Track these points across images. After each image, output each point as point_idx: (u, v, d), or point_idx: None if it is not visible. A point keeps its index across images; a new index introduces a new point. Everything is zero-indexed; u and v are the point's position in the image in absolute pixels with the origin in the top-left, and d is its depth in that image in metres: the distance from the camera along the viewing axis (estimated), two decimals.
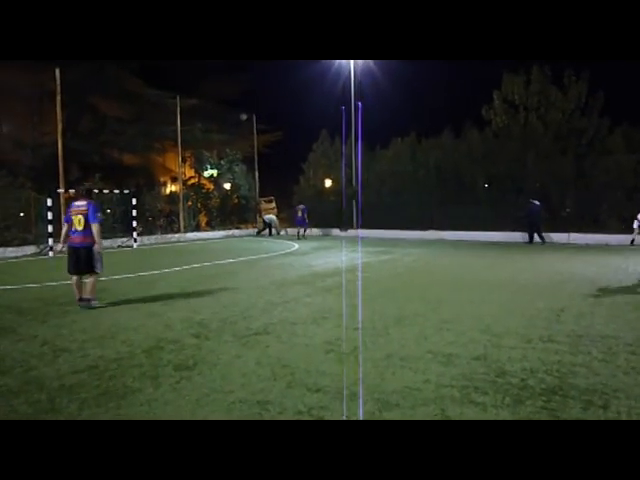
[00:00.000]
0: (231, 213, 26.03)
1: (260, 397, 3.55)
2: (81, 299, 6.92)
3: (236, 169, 26.64)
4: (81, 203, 6.89)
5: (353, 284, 8.54)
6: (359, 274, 9.83)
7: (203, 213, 25.09)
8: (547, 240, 17.00)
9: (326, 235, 22.88)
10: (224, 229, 23.91)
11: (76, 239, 6.81)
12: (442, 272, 10.22)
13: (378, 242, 17.92)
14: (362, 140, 22.70)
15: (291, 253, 14.51)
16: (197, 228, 23.29)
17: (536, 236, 16.98)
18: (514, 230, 17.73)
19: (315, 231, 23.54)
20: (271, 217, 23.46)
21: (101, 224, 7.09)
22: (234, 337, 5.18)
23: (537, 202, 16.98)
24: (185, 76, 28.08)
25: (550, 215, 18.92)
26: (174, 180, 26.25)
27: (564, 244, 16.60)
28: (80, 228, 6.77)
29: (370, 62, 22.76)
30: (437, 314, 6.17)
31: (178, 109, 21.86)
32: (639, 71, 23.90)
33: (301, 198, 25.79)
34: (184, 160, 25.08)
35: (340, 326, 5.55)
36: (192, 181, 26.48)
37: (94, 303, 6.90)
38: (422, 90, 28.20)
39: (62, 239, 7.27)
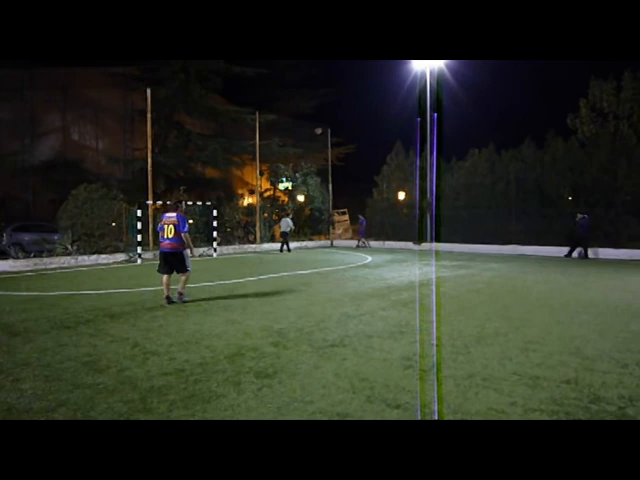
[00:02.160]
0: (305, 225, 26.50)
1: (340, 409, 3.57)
2: (168, 297, 7.90)
3: (310, 182, 27.12)
4: (171, 214, 7.99)
5: (429, 299, 8.37)
6: (435, 288, 9.61)
7: (278, 225, 25.72)
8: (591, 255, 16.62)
9: (400, 248, 22.61)
10: (298, 240, 24.36)
11: (166, 245, 7.88)
12: (524, 289, 9.75)
13: (454, 256, 17.43)
14: (437, 153, 22.30)
15: (364, 265, 14.48)
16: (272, 239, 23.91)
17: (578, 251, 16.71)
18: (586, 246, 16.76)
19: (389, 244, 23.37)
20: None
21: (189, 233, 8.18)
22: (312, 347, 5.25)
23: (586, 216, 16.47)
24: (264, 92, 29.15)
25: None
26: (251, 192, 27.19)
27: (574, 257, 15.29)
28: (170, 236, 7.84)
29: (446, 71, 22.37)
30: (521, 334, 5.88)
31: (257, 124, 22.70)
32: None
33: (374, 210, 25.75)
34: (261, 173, 25.93)
35: (417, 342, 5.45)
36: (268, 193, 27.29)
37: (184, 298, 8.04)
38: (501, 100, 27.25)
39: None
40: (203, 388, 4.04)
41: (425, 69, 22.16)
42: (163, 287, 8.00)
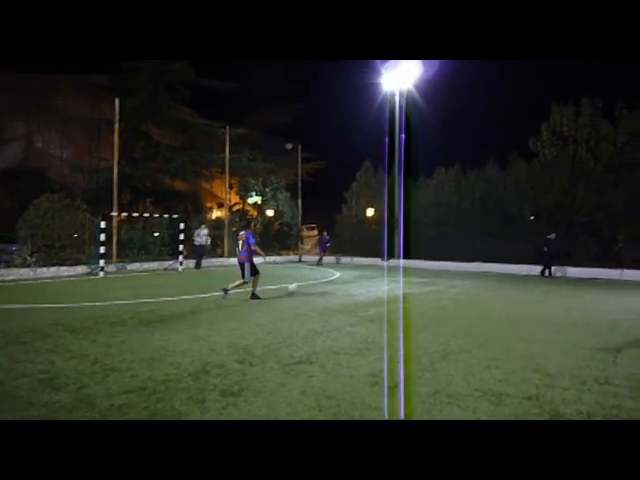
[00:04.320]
0: (273, 239, 26.40)
1: None
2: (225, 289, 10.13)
3: (280, 196, 27.13)
4: (242, 232, 10.39)
5: (396, 315, 8.44)
6: (402, 305, 9.70)
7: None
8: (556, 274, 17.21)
9: (369, 265, 22.77)
10: (266, 255, 24.21)
11: (240, 257, 10.21)
12: (488, 306, 9.95)
13: (421, 273, 17.68)
14: (403, 172, 22.69)
15: (332, 281, 14.51)
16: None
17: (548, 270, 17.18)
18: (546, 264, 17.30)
19: (357, 260, 23.51)
20: (202, 236, 18.82)
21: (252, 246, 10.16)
22: (278, 364, 5.20)
23: (551, 236, 17.05)
24: (235, 106, 29.14)
25: (601, 250, 18.22)
26: (220, 206, 26.98)
27: (615, 280, 15.87)
28: (242, 249, 10.14)
29: (415, 92, 22.88)
30: (484, 350, 5.99)
31: (227, 138, 22.63)
32: None
33: (343, 226, 25.93)
34: (230, 187, 25.78)
35: (384, 358, 5.48)
36: (237, 207, 27.13)
37: (228, 295, 10.06)
38: (467, 120, 28.09)
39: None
40: (166, 407, 3.93)
41: (394, 89, 22.65)
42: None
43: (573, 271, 17.22)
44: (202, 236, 18.63)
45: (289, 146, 26.57)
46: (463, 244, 20.86)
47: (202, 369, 5.01)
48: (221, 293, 10.17)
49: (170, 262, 18.54)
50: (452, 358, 5.60)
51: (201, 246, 18.68)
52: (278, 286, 12.66)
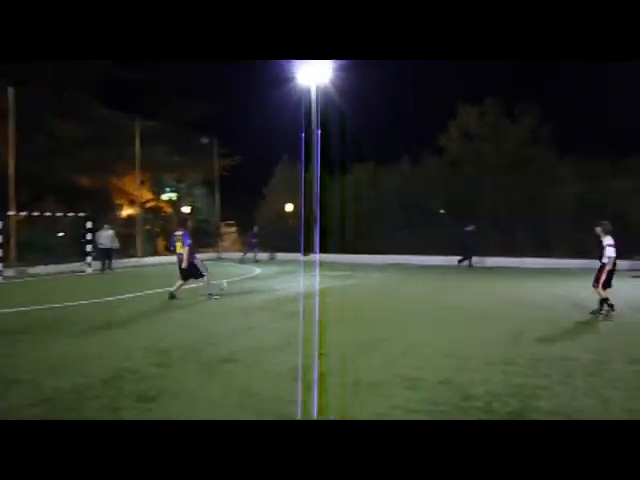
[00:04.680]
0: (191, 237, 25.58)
1: None
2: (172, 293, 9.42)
3: (196, 192, 26.35)
4: (178, 232, 9.61)
5: (318, 309, 8.52)
6: (323, 299, 9.82)
7: (161, 237, 24.58)
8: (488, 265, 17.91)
9: (289, 260, 22.80)
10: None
11: (180, 258, 9.43)
12: (405, 296, 10.36)
13: (340, 266, 18.00)
14: (320, 167, 22.93)
15: (254, 278, 14.37)
16: (155, 252, 22.76)
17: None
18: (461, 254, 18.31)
19: (277, 255, 23.47)
20: (108, 237, 17.14)
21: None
22: (199, 365, 5.05)
23: (470, 228, 17.77)
24: (148, 98, 27.75)
25: (504, 240, 19.65)
26: (132, 203, 25.66)
27: (517, 268, 17.20)
28: (181, 250, 9.39)
29: (331, 87, 23.17)
30: (402, 338, 6.23)
31: (138, 131, 21.57)
32: (584, 103, 25.44)
33: (262, 222, 25.74)
34: (142, 183, 24.60)
35: (306, 352, 5.51)
36: (151, 204, 25.95)
37: (215, 296, 9.57)
38: (382, 117, 28.96)
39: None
40: (78, 417, 3.67)
41: (310, 85, 22.78)
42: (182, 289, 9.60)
43: (480, 261, 18.39)
44: (105, 238, 17.11)
45: (205, 140, 25.82)
46: (380, 237, 21.55)
47: (116, 375, 4.73)
48: (137, 294, 9.72)
49: (77, 264, 17.35)
50: (372, 347, 5.76)
51: (106, 249, 17.19)
52: (197, 285, 12.31)
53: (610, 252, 7.51)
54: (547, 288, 11.35)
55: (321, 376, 4.64)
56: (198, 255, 10.10)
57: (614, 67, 23.04)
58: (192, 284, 9.92)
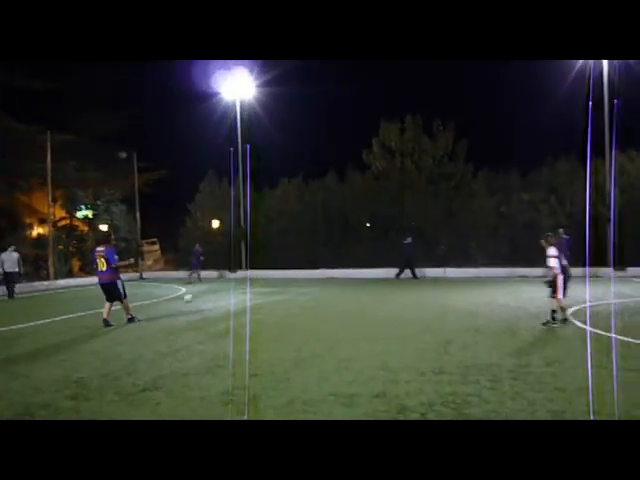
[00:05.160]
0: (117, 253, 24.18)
1: None
2: (105, 320, 8.58)
3: (114, 209, 25.07)
4: (101, 248, 8.67)
5: (247, 328, 8.26)
6: (253, 317, 9.57)
7: (76, 257, 23.05)
8: (419, 275, 18.11)
9: (216, 277, 22.18)
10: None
11: (102, 277, 8.65)
12: (335, 311, 10.36)
13: (269, 282, 17.78)
14: (250, 183, 22.70)
15: (178, 297, 13.77)
16: (70, 274, 21.26)
17: (408, 272, 18.12)
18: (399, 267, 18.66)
19: (204, 273, 22.74)
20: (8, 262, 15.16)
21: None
22: (118, 396, 4.65)
23: (407, 240, 18.09)
24: (58, 110, 26.13)
25: (426, 252, 20.42)
26: (42, 222, 23.87)
27: (440, 278, 17.88)
28: (104, 268, 8.55)
29: (255, 103, 23.06)
30: (335, 354, 6.15)
31: (49, 144, 20.17)
32: (496, 121, 27.31)
33: (188, 239, 24.93)
34: (54, 200, 22.99)
35: (237, 374, 5.27)
36: (63, 222, 24.30)
37: (138, 320, 8.94)
38: (307, 133, 29.33)
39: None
40: None
41: (235, 100, 22.57)
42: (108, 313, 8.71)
43: (406, 272, 18.89)
44: (8, 261, 15.18)
45: (123, 155, 24.63)
46: (308, 252, 21.60)
47: (24, 412, 4.23)
48: (46, 321, 8.89)
49: None
50: (305, 365, 5.64)
51: (10, 273, 15.32)
52: (115, 308, 11.58)
53: (551, 263, 7.56)
54: (469, 297, 11.86)
55: (253, 398, 4.44)
56: (85, 279, 9.54)
57: (522, 89, 24.96)
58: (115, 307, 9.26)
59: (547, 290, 7.81)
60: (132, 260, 10.66)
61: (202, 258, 19.35)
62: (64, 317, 10.19)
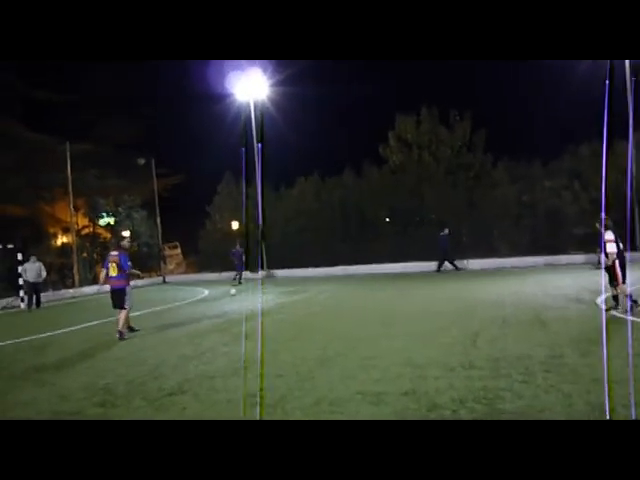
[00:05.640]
0: (132, 262, 24.47)
1: None
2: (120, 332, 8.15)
3: (135, 215, 25.38)
4: (114, 253, 8.53)
5: (270, 328, 8.23)
6: (275, 316, 9.54)
7: (100, 264, 23.37)
8: (460, 267, 17.74)
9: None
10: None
11: (113, 282, 8.39)
12: (356, 308, 10.26)
13: (289, 281, 17.76)
14: (262, 181, 22.65)
15: (202, 300, 13.85)
16: (95, 281, 21.56)
17: (448, 264, 17.80)
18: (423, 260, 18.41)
19: (226, 274, 22.87)
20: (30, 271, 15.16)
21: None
22: (146, 401, 4.64)
23: (444, 233, 17.79)
24: (75, 119, 26.56)
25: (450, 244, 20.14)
26: (66, 231, 24.31)
27: (464, 270, 17.60)
28: (115, 274, 8.34)
29: (269, 103, 23.05)
30: (359, 351, 6.06)
31: (68, 154, 20.50)
32: (514, 109, 26.81)
33: (208, 242, 25.11)
34: (76, 209, 23.39)
35: (262, 375, 5.22)
36: (86, 231, 24.70)
37: (127, 336, 8.22)
38: (323, 131, 29.22)
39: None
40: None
41: (249, 100, 22.59)
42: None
43: (427, 265, 18.65)
44: (30, 271, 15.23)
45: (141, 161, 24.93)
46: (327, 249, 21.51)
47: (53, 420, 4.25)
48: (71, 329, 9.01)
49: (9, 299, 16.10)
50: (329, 364, 5.56)
51: (34, 284, 15.37)
52: (139, 312, 11.69)
53: (611, 247, 7.10)
54: (493, 288, 11.62)
55: (280, 400, 4.38)
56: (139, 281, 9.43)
57: (541, 77, 24.43)
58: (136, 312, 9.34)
59: (606, 277, 7.37)
60: (140, 273, 10.38)
61: (244, 258, 18.57)
62: (89, 324, 10.31)
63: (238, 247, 18.63)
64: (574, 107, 19.44)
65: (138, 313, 11.37)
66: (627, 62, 16.92)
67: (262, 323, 8.71)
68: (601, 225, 7.22)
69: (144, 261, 25.49)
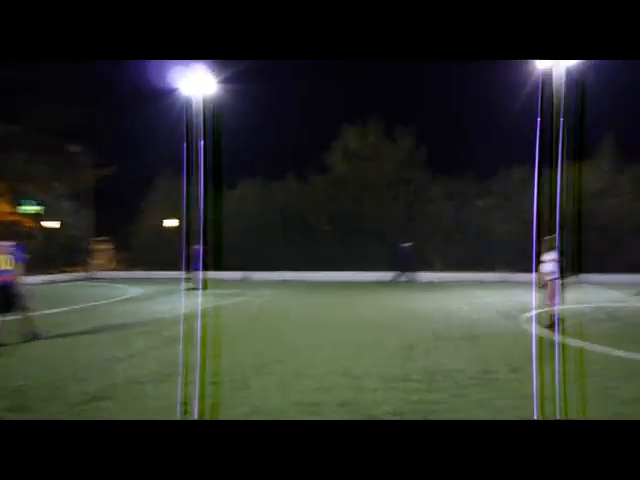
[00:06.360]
0: (58, 255, 23.04)
1: None
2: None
3: (65, 206, 23.93)
4: (6, 244, 7.24)
5: (205, 331, 7.96)
6: (210, 320, 9.25)
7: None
8: (405, 279, 18.14)
9: (171, 278, 21.50)
10: (48, 273, 20.97)
11: (4, 277, 7.08)
12: (295, 314, 10.18)
13: (227, 284, 17.39)
14: (204, 180, 22.05)
15: (131, 299, 13.22)
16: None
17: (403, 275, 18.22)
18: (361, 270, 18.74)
19: (158, 273, 22.03)
20: None
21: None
22: (66, 406, 4.29)
23: (406, 245, 18.16)
24: (2, 99, 24.67)
25: (384, 255, 20.58)
26: None
27: (397, 282, 18.00)
28: (8, 267, 7.10)
29: (218, 99, 22.51)
30: (296, 359, 5.97)
31: None
32: (455, 128, 27.92)
33: (141, 238, 24.12)
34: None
35: (195, 381, 5.00)
36: (9, 218, 22.92)
37: (38, 337, 7.22)
38: (269, 134, 28.95)
39: None
40: None
41: (194, 96, 21.97)
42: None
43: (364, 275, 18.95)
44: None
45: (75, 149, 23.54)
46: (267, 254, 21.31)
47: None
48: None
49: None
50: (265, 371, 5.43)
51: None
52: (63, 309, 10.96)
53: (548, 267, 7.38)
54: (428, 301, 11.95)
55: (213, 408, 4.20)
56: (41, 277, 8.44)
57: (478, 98, 25.60)
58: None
59: (542, 295, 7.65)
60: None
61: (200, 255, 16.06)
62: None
63: (198, 244, 16.52)
64: (509, 132, 20.57)
65: (56, 310, 10.66)
66: (554, 100, 18.05)
67: (196, 327, 8.41)
68: (546, 246, 7.56)
69: (71, 255, 24.08)
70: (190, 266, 15.79)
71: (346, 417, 3.96)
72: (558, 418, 3.73)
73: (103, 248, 26.59)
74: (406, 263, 18.26)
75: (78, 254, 24.23)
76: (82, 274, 22.76)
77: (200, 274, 15.49)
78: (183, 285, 15.31)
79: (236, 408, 4.19)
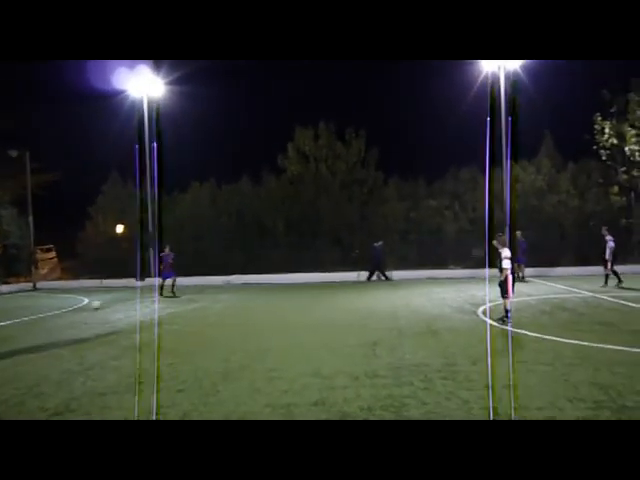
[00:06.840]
0: None
1: None
2: None
3: (3, 213, 22.63)
4: None
5: (165, 339, 7.76)
6: (168, 327, 9.03)
7: None
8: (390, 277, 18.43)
9: (122, 286, 20.76)
10: None
11: None
12: (256, 317, 10.12)
13: (182, 290, 16.97)
14: (158, 183, 21.55)
15: (82, 309, 12.69)
16: None
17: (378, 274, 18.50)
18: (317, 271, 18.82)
19: (108, 282, 21.22)
20: None
21: None
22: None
23: (379, 244, 18.35)
24: None
25: (342, 256, 20.78)
26: None
27: (355, 282, 18.25)
28: None
29: (163, 102, 21.96)
30: (263, 363, 5.95)
31: None
32: (406, 130, 28.61)
33: (89, 246, 23.20)
34: None
35: (161, 390, 4.88)
36: None
37: None
38: (220, 135, 28.50)
39: None
40: None
41: (143, 97, 21.40)
42: None
43: (320, 276, 19.02)
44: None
45: (14, 153, 22.26)
46: (222, 258, 21.00)
47: None
48: None
49: None
50: (234, 376, 5.38)
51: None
52: (8, 322, 10.39)
53: (505, 264, 7.70)
54: (385, 299, 12.17)
55: (184, 416, 4.12)
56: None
57: (429, 101, 26.33)
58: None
59: (499, 290, 7.98)
60: None
61: (171, 262, 15.14)
62: None
63: (167, 250, 15.55)
64: (458, 131, 21.30)
65: (4, 323, 10.11)
66: (503, 100, 18.89)
67: (155, 334, 8.19)
68: (498, 242, 7.93)
69: (12, 265, 22.80)
70: (162, 275, 15.17)
71: (322, 416, 3.99)
72: (540, 419, 3.88)
73: (46, 257, 25.32)
74: (379, 262, 18.65)
75: (20, 264, 22.98)
76: (25, 285, 21.59)
77: (170, 281, 14.98)
78: (138, 294, 14.75)
79: (208, 415, 4.14)
